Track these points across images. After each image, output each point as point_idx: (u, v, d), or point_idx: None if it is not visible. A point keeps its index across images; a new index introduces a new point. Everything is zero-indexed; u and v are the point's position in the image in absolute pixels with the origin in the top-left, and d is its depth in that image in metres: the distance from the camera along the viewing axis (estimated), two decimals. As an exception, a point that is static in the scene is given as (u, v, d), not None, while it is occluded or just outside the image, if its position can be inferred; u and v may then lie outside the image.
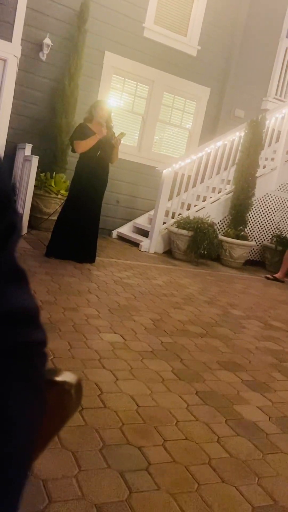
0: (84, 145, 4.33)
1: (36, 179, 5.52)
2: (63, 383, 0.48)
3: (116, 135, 4.48)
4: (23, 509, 1.19)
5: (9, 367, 0.38)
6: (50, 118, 6.32)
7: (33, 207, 5.65)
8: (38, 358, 0.41)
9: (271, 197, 7.08)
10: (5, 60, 5.75)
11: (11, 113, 5.90)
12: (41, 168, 5.78)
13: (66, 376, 0.48)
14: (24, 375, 0.39)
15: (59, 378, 0.48)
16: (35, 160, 5.21)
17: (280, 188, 7.11)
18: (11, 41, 5.46)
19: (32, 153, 5.49)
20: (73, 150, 4.48)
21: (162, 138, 7.66)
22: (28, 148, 5.67)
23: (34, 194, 5.57)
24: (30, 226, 5.56)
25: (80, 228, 4.47)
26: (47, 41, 6.10)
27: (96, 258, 4.73)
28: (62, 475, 1.36)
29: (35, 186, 5.54)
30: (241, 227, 6.55)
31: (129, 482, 1.39)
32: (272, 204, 7.13)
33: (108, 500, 1.30)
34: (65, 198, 4.65)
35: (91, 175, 4.44)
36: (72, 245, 4.47)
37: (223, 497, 1.41)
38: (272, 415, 2.06)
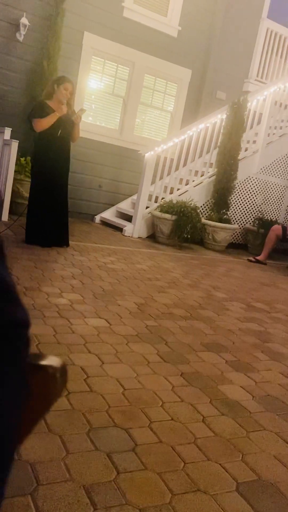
0: (43, 123, 4.19)
1: (16, 164, 5.42)
2: (48, 367, 0.47)
3: (76, 111, 4.33)
4: (12, 493, 1.20)
5: None
6: (29, 101, 6.17)
7: (14, 193, 5.56)
8: (21, 341, 0.41)
9: (253, 180, 7.12)
10: (-20, 41, 5.57)
11: (-11, 96, 5.76)
12: (21, 153, 5.67)
13: (50, 360, 0.48)
14: (7, 358, 0.39)
15: (43, 362, 0.48)
16: (15, 144, 5.11)
17: (262, 171, 7.15)
18: (-14, 21, 5.29)
19: (12, 137, 5.38)
20: (32, 129, 4.32)
21: (144, 121, 7.59)
22: (7, 132, 5.55)
23: (15, 180, 5.48)
24: (11, 212, 5.48)
25: (51, 211, 4.39)
26: (24, 20, 5.92)
27: (80, 243, 4.71)
28: (49, 458, 1.38)
29: (15, 171, 5.44)
30: (224, 211, 6.58)
31: (116, 463, 1.41)
32: (254, 187, 7.17)
33: (96, 481, 1.32)
34: (31, 184, 4.51)
35: (54, 155, 4.31)
36: (49, 229, 4.41)
37: (209, 474, 1.45)
38: (256, 394, 2.10)
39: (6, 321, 0.39)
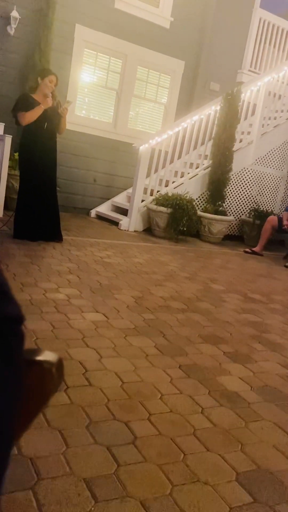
0: (28, 117, 4.14)
1: (10, 159, 5.38)
2: (43, 362, 0.47)
3: (62, 103, 4.29)
4: (13, 488, 1.21)
5: None
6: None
7: (8, 188, 5.53)
8: (14, 337, 0.41)
9: (248, 171, 7.11)
10: (-29, 35, 5.51)
11: (-19, 91, 5.71)
12: (15, 148, 5.63)
13: (46, 355, 0.48)
14: (1, 354, 0.39)
15: (39, 358, 0.48)
16: (8, 139, 5.08)
17: (257, 162, 7.14)
18: (-24, 15, 5.23)
19: (5, 132, 5.34)
20: (17, 123, 4.27)
21: (138, 113, 7.55)
22: (0, 127, 5.51)
23: (9, 175, 5.45)
24: (6, 207, 5.45)
25: (41, 206, 4.36)
26: (15, 14, 5.86)
27: (76, 238, 4.69)
28: (49, 453, 1.38)
29: (9, 167, 5.41)
30: (220, 202, 6.58)
31: (116, 456, 1.42)
32: (249, 178, 7.16)
33: (96, 474, 1.32)
34: (19, 179, 4.47)
35: (40, 148, 4.27)
36: (37, 224, 4.38)
37: (208, 465, 1.46)
38: (254, 384, 2.12)
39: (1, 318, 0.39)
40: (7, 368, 0.39)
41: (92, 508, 1.19)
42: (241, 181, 7.09)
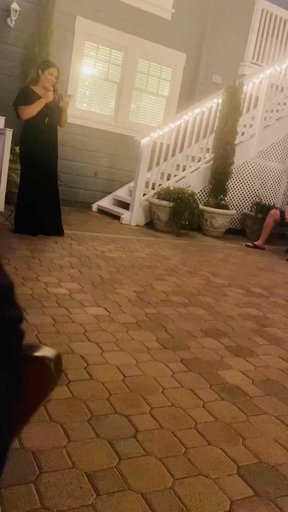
0: (29, 111, 4.11)
1: (11, 153, 5.37)
2: (42, 358, 0.47)
3: (64, 97, 4.27)
4: (15, 481, 1.21)
5: None
6: (22, 88, 6.10)
7: (9, 182, 5.52)
8: (14, 336, 0.41)
9: (250, 164, 7.07)
10: (-29, 28, 5.47)
11: (-19, 84, 5.68)
12: (15, 141, 5.61)
13: (44, 351, 0.48)
14: (1, 353, 0.39)
15: (37, 354, 0.48)
16: (9, 133, 5.06)
17: (259, 155, 7.10)
18: (-24, 7, 5.19)
19: (6, 126, 5.32)
20: (18, 117, 4.24)
21: (139, 106, 7.51)
22: (1, 121, 5.49)
23: (10, 169, 5.43)
24: (7, 202, 5.45)
25: (42, 201, 4.35)
26: (15, 6, 5.81)
27: (77, 232, 4.69)
28: (51, 447, 1.39)
29: (10, 161, 5.39)
30: (221, 196, 6.55)
31: (118, 449, 1.42)
32: (251, 171, 7.13)
33: (98, 467, 1.33)
34: (20, 173, 4.46)
35: (42, 143, 4.24)
36: (38, 218, 4.38)
37: (210, 459, 1.46)
38: (255, 378, 2.12)
39: (3, 321, 0.39)
40: (7, 367, 0.39)
41: (94, 501, 1.19)
42: (243, 174, 7.05)
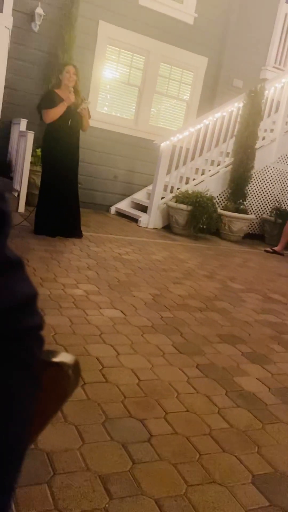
0: (52, 114, 4.15)
1: (32, 155, 5.43)
2: (61, 364, 0.48)
3: (84, 101, 4.29)
4: (29, 481, 1.22)
5: (4, 353, 0.38)
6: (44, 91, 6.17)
7: (30, 184, 5.59)
8: (33, 342, 0.41)
9: (271, 169, 7.01)
10: (-4, 32, 5.56)
11: (5, 87, 5.76)
12: (37, 144, 5.69)
13: (63, 357, 0.48)
14: (19, 359, 0.39)
15: (56, 359, 0.48)
16: (31, 135, 5.12)
17: (280, 160, 7.03)
18: (1, 12, 5.28)
19: (28, 128, 5.39)
20: (42, 120, 4.27)
21: (160, 110, 7.52)
22: (23, 123, 5.56)
23: (31, 171, 5.49)
24: (27, 203, 5.51)
25: (62, 203, 4.38)
26: (39, 10, 5.90)
27: (95, 234, 4.71)
28: (66, 448, 1.39)
29: (31, 162, 5.46)
30: (241, 200, 6.51)
31: (131, 453, 1.42)
32: (271, 176, 7.06)
33: (111, 471, 1.33)
34: (41, 175, 4.50)
35: (64, 146, 4.27)
36: (58, 220, 4.41)
37: (224, 466, 1.44)
38: (272, 386, 2.09)
39: (21, 328, 0.40)
40: (27, 374, 0.40)
41: (107, 505, 1.19)
42: (263, 179, 6.99)
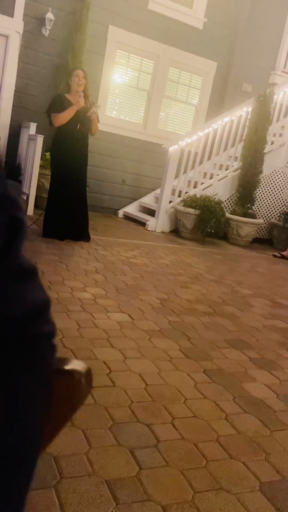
0: (61, 118, 4.16)
1: (41, 159, 5.47)
2: (73, 372, 0.48)
3: (93, 105, 4.30)
4: (36, 485, 1.22)
5: (17, 359, 0.38)
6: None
7: (39, 187, 5.62)
8: (46, 350, 0.41)
9: (279, 173, 6.98)
10: (7, 37, 5.63)
11: (15, 91, 5.82)
12: (46, 147, 5.72)
13: (75, 365, 0.48)
14: (32, 367, 0.40)
15: (68, 367, 0.48)
16: (40, 139, 5.15)
17: (288, 165, 7.00)
18: (13, 17, 5.34)
19: (37, 132, 5.43)
20: (51, 124, 4.29)
21: (168, 114, 7.54)
22: (32, 127, 5.60)
23: (40, 174, 5.53)
24: (36, 206, 5.54)
25: (70, 206, 4.40)
26: (50, 15, 5.95)
27: (103, 238, 4.72)
28: (73, 452, 1.39)
29: (40, 166, 5.49)
30: (249, 205, 6.49)
31: (138, 458, 1.42)
32: (280, 181, 7.03)
33: (118, 476, 1.32)
34: (50, 179, 4.52)
35: (73, 150, 4.29)
36: (66, 224, 4.43)
37: (231, 473, 1.43)
38: (280, 392, 2.07)
39: (34, 335, 0.40)
40: (39, 383, 0.40)
41: (113, 510, 1.19)
42: (271, 183, 6.97)
